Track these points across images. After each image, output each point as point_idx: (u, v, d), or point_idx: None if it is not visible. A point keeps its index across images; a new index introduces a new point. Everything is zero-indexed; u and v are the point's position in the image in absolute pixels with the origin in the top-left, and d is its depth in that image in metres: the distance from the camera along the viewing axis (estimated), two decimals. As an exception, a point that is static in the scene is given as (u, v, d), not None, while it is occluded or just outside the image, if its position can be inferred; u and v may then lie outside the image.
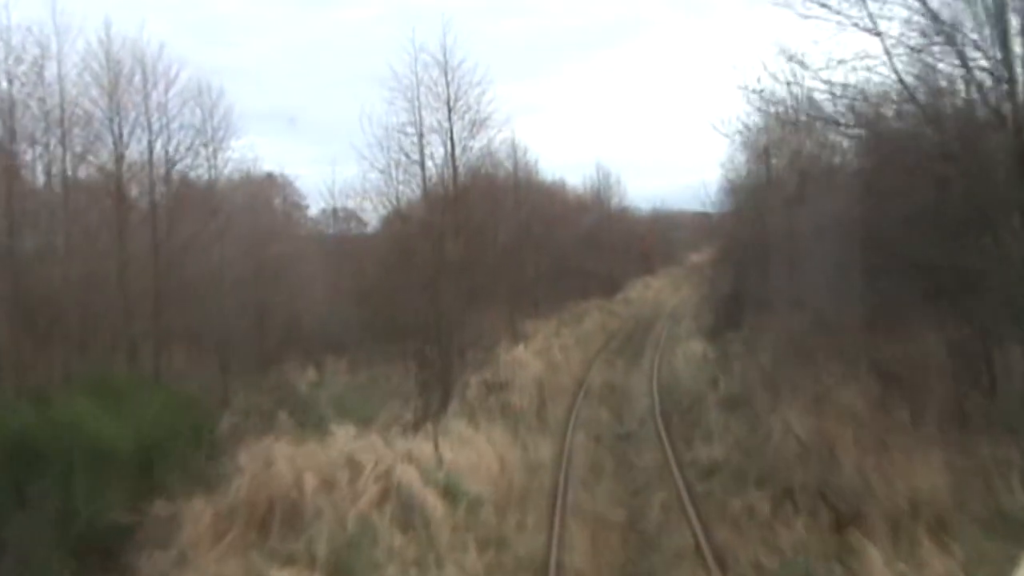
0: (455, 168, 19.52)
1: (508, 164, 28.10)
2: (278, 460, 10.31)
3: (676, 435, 13.82)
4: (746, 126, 24.69)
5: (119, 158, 17.41)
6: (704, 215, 44.39)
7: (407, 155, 18.92)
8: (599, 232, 39.97)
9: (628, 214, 49.89)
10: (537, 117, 76.92)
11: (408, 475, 9.43)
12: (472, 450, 11.45)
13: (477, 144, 19.79)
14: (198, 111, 19.33)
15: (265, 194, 29.74)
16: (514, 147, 28.22)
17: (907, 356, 11.03)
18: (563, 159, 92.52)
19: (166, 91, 18.07)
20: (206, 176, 20.37)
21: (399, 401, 17.98)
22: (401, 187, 19.49)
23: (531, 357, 20.22)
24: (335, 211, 29.52)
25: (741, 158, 26.70)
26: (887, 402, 10.25)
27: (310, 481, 9.85)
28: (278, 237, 26.94)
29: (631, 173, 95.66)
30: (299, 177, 35.54)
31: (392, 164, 18.98)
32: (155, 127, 17.97)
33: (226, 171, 21.13)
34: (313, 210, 32.35)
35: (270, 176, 29.94)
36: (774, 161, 24.96)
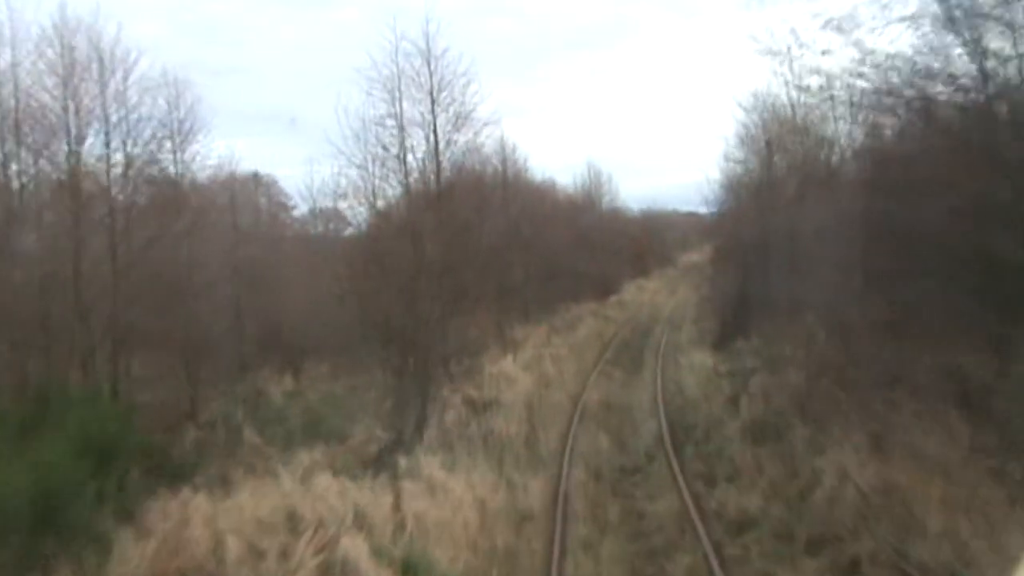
0: (439, 163, 17.81)
1: (496, 161, 26.49)
2: (195, 519, 8.11)
3: (693, 472, 11.40)
4: (745, 126, 23.30)
5: (75, 151, 15.93)
6: (697, 215, 42.70)
7: (386, 148, 17.14)
8: (591, 233, 38.00)
9: (620, 214, 48.41)
10: (527, 118, 75.37)
11: (357, 548, 7.16)
12: (445, 499, 9.17)
13: (462, 138, 18.14)
14: (161, 102, 17.86)
15: (248, 194, 28.51)
16: (502, 144, 26.66)
17: (990, 380, 8.76)
18: (553, 160, 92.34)
19: (125, 79, 16.49)
20: (172, 171, 18.83)
21: (375, 417, 15.94)
22: (379, 182, 17.67)
23: (520, 371, 18.13)
24: (319, 211, 27.82)
25: (740, 155, 25.21)
26: (978, 443, 8.00)
27: (233, 548, 7.68)
28: (259, 237, 25.98)
29: (622, 173, 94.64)
30: (288, 177, 34.39)
31: (370, 159, 17.16)
32: (113, 118, 16.47)
33: (195, 167, 19.55)
34: (302, 210, 30.67)
35: (255, 176, 28.91)
36: (776, 159, 23.23)
